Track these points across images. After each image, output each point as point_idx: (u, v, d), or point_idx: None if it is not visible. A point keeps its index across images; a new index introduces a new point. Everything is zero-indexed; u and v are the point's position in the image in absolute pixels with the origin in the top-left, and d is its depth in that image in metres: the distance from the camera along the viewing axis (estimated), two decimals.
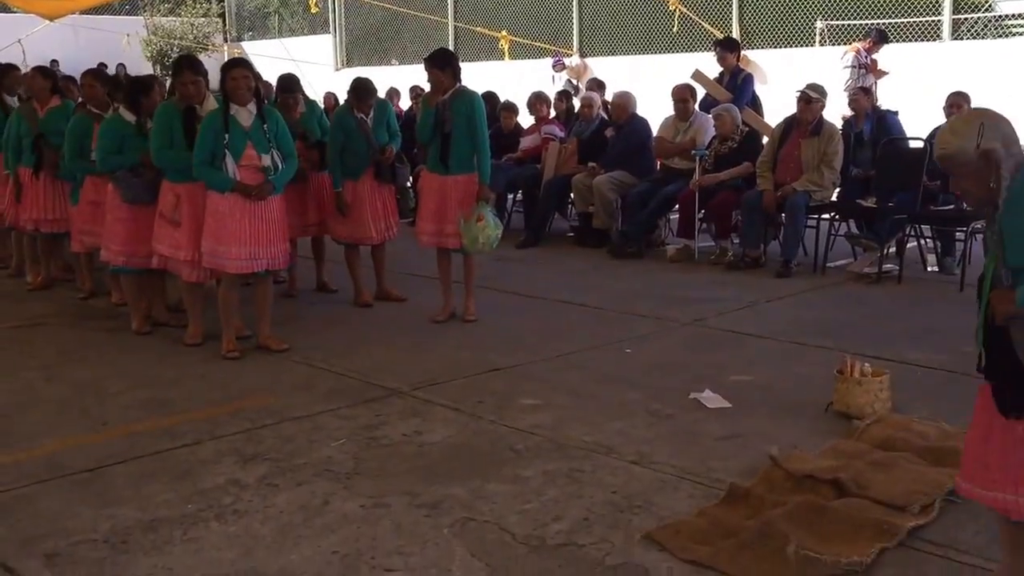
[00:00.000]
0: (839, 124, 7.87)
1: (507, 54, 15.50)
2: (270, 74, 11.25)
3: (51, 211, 7.03)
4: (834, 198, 7.61)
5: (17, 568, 3.05)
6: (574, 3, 14.88)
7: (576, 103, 9.99)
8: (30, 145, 6.98)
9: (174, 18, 21.87)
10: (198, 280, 5.55)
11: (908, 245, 7.44)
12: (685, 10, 13.27)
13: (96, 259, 6.92)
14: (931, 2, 11.61)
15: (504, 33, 15.41)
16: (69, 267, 7.49)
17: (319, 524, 3.30)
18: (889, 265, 7.18)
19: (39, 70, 7.40)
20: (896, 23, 11.73)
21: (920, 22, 11.71)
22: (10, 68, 7.96)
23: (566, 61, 14.26)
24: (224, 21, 22.47)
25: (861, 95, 8.05)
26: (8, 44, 16.03)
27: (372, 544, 3.15)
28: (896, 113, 8.16)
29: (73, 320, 6.42)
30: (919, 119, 8.25)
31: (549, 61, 14.21)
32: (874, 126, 7.74)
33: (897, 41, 11.41)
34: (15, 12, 15.94)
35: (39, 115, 6.99)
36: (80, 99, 7.35)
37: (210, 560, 3.08)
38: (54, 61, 16.52)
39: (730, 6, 13.09)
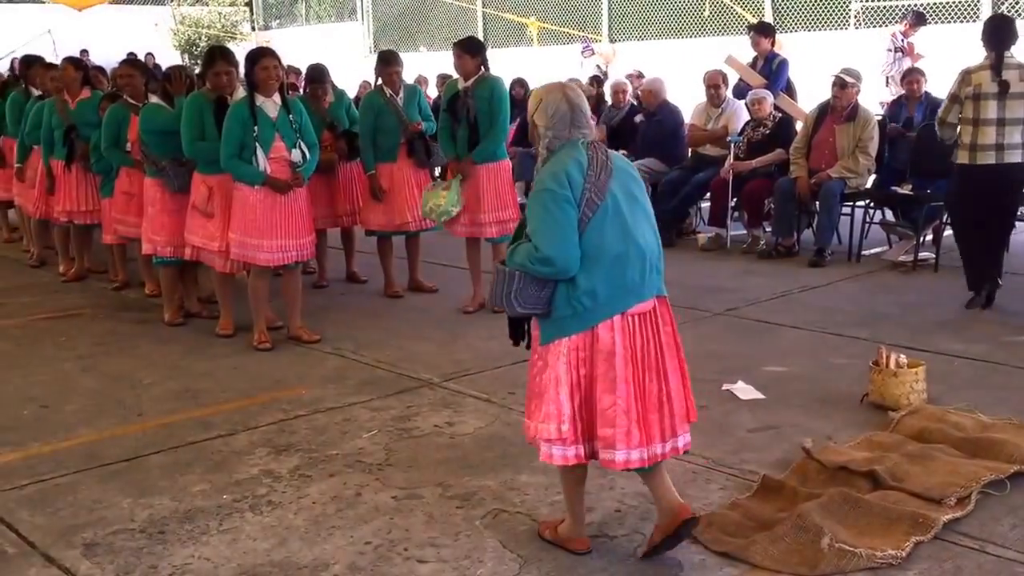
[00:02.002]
0: (876, 109, 7.73)
1: (535, 40, 15.44)
2: (297, 62, 11.28)
3: (84, 203, 7.10)
4: (869, 185, 7.51)
5: (57, 558, 3.10)
6: None
7: (606, 89, 9.94)
8: (61, 137, 7.05)
9: (201, 7, 21.99)
10: (231, 271, 5.59)
11: (945, 232, 7.31)
12: None
13: (130, 250, 7.00)
14: None
15: (533, 19, 15.35)
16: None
17: (352, 515, 3.33)
18: (925, 253, 7.07)
19: (71, 61, 7.44)
20: (933, 3, 11.51)
21: (958, 1, 11.48)
22: (34, 61, 8.04)
23: (595, 47, 14.17)
24: (251, 9, 22.56)
25: (921, 78, 7.85)
26: (38, 35, 16.25)
27: (405, 535, 3.17)
28: None
29: (107, 311, 6.50)
30: None
31: (578, 47, 14.13)
32: (926, 113, 7.59)
33: (935, 22, 11.20)
34: (45, 3, 16.16)
35: (70, 107, 7.04)
36: (110, 89, 7.42)
37: (245, 550, 3.11)
38: (84, 51, 16.70)
39: None
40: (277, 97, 5.23)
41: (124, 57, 8.19)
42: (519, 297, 2.81)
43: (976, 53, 5.78)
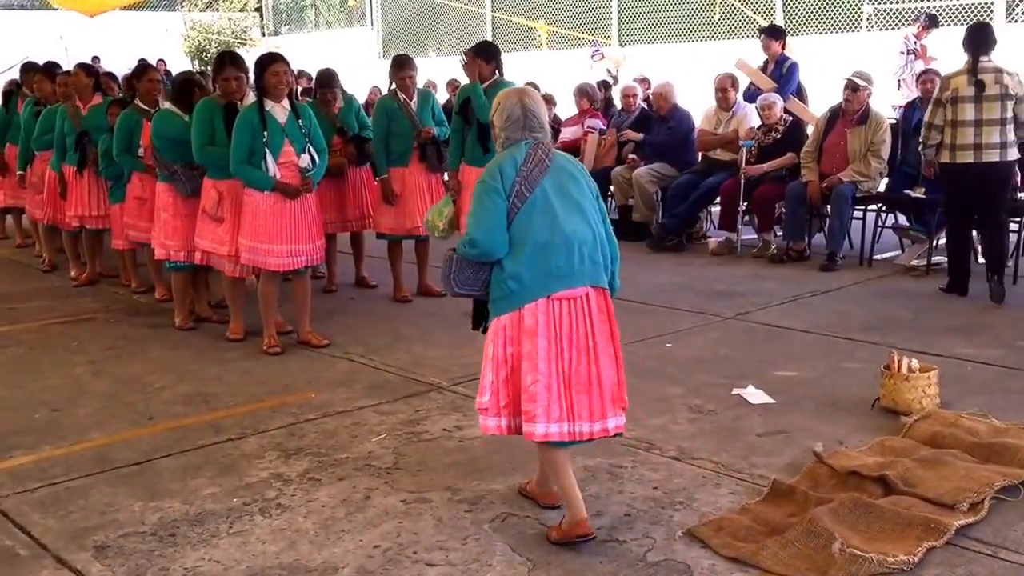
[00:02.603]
0: (888, 112, 7.70)
1: (545, 45, 15.45)
2: (307, 67, 11.29)
3: (95, 207, 7.13)
4: (881, 188, 7.47)
5: (69, 560, 3.11)
6: None
7: (615, 93, 9.92)
8: (73, 143, 7.08)
9: (212, 12, 22.09)
10: (240, 276, 5.60)
11: None
12: None
13: (140, 255, 7.03)
14: None
15: (542, 23, 15.35)
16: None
17: (361, 519, 3.33)
18: (938, 257, 7.03)
19: (83, 67, 7.48)
20: (946, 5, 11.45)
21: (972, 3, 11.40)
22: (35, 68, 8.07)
23: (605, 51, 14.17)
24: (261, 15, 22.65)
25: (937, 78, 7.83)
26: (50, 41, 16.35)
27: (413, 539, 3.17)
28: None
29: (118, 316, 6.53)
30: None
31: (588, 51, 14.13)
32: None
33: (948, 24, 11.13)
34: (56, 10, 16.26)
35: (82, 113, 7.08)
36: (120, 95, 7.44)
37: (255, 553, 3.11)
38: (95, 57, 16.78)
39: None
40: (286, 102, 5.24)
41: (136, 63, 8.19)
42: (456, 279, 3.10)
43: (991, 55, 5.88)
